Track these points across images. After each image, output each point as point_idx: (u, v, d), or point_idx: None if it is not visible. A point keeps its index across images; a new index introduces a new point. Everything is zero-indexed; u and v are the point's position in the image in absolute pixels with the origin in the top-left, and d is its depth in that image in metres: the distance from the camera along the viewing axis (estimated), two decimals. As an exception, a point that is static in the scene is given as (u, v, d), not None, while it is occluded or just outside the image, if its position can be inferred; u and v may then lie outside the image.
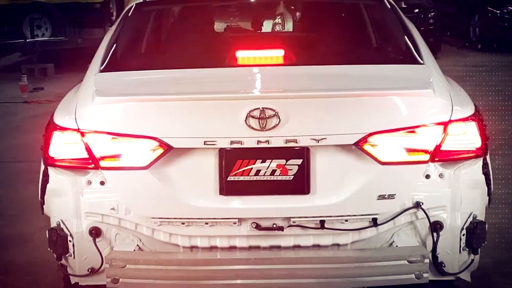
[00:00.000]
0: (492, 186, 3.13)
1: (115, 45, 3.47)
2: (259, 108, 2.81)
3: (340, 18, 4.46)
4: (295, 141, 2.85)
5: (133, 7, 3.78)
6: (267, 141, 2.84)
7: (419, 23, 12.85)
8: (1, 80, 10.57)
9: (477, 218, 3.05)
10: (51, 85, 10.48)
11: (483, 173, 3.05)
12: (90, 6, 12.67)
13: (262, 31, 6.74)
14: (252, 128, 2.82)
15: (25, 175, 5.62)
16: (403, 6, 12.89)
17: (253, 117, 2.81)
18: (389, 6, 3.77)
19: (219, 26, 6.65)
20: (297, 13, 6.20)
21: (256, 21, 5.57)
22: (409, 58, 3.37)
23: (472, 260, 3.09)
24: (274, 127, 2.82)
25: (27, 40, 12.20)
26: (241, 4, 5.89)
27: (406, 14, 12.26)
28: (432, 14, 13.21)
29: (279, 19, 9.34)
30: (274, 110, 2.81)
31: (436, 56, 11.28)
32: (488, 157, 3.10)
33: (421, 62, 3.28)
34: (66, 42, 12.40)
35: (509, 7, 13.22)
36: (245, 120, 2.82)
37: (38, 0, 12.38)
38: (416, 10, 13.09)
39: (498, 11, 13.24)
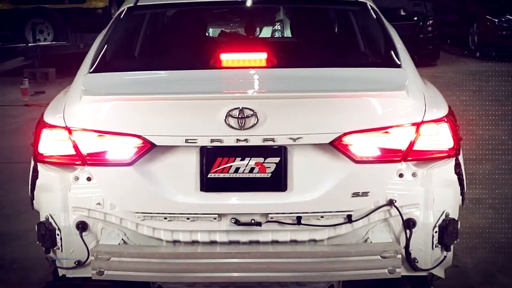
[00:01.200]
0: (465, 186, 3.21)
1: (105, 47, 3.59)
2: (238, 108, 2.92)
3: (326, 24, 4.58)
4: (273, 140, 2.96)
5: (125, 11, 3.91)
6: (246, 140, 2.95)
7: (418, 31, 12.99)
8: (3, 84, 10.71)
9: (449, 216, 3.13)
10: (52, 89, 10.58)
11: (456, 173, 3.14)
12: (92, 12, 12.81)
13: (259, 36, 6.89)
14: (232, 127, 2.93)
15: (22, 176, 5.65)
16: (402, 13, 13.06)
17: (232, 116, 2.92)
18: (373, 13, 3.87)
19: (214, 32, 6.80)
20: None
21: (249, 26, 5.70)
22: (387, 61, 3.48)
23: (445, 256, 3.17)
24: (252, 126, 2.93)
25: (29, 44, 12.35)
26: (234, 10, 6.03)
27: (405, 21, 12.31)
28: (431, 22, 13.32)
29: (279, 26, 9.49)
30: (252, 110, 2.92)
31: (435, 63, 11.35)
32: (461, 157, 3.20)
33: (399, 65, 3.39)
34: (68, 47, 12.53)
35: (508, 16, 13.35)
36: (225, 120, 2.93)
37: (40, 5, 12.53)
38: (415, 18, 13.20)
39: (496, 20, 13.36)
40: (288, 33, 7.72)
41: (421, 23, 13.19)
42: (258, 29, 7.49)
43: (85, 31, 12.82)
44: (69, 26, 12.78)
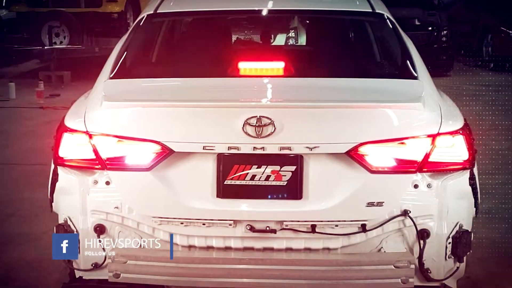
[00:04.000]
0: (479, 198, 3.24)
1: (125, 53, 3.63)
2: (256, 116, 2.96)
3: (343, 34, 4.61)
4: (289, 148, 3.00)
5: (144, 18, 3.97)
6: (263, 148, 2.99)
7: (432, 41, 12.98)
8: (19, 86, 10.80)
9: (463, 228, 3.16)
10: (67, 92, 10.68)
11: (470, 185, 3.17)
12: (108, 16, 12.91)
13: (273, 44, 6.94)
14: (249, 135, 2.97)
15: (37, 178, 5.81)
16: (417, 23, 13.07)
17: (250, 124, 2.97)
18: (390, 24, 3.90)
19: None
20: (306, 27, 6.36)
21: (265, 34, 5.74)
22: (404, 73, 3.51)
23: (458, 267, 3.20)
24: (269, 134, 2.97)
25: (45, 47, 12.46)
26: (251, 18, 6.08)
27: (419, 31, 12.26)
28: (445, 32, 13.29)
29: (293, 33, 9.53)
30: (270, 119, 2.97)
31: (448, 74, 11.29)
32: (475, 170, 3.23)
33: (416, 77, 3.42)
34: (83, 50, 12.63)
35: (523, 28, 13.32)
36: (242, 127, 2.97)
37: (57, 8, 12.65)
38: (430, 28, 13.19)
39: (511, 31, 13.33)
40: (302, 40, 7.76)
41: (435, 33, 13.16)
42: (272, 36, 7.53)
43: (100, 35, 12.92)
44: (84, 30, 12.88)
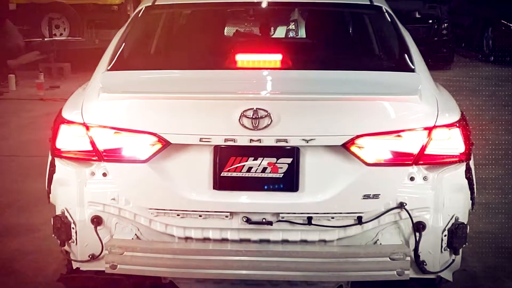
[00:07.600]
0: (475, 191, 3.24)
1: (122, 45, 3.64)
2: (252, 109, 2.96)
3: (341, 27, 4.61)
4: (286, 140, 3.00)
5: (143, 10, 3.97)
6: (259, 140, 2.99)
7: (432, 34, 12.97)
8: (19, 78, 10.81)
9: (459, 220, 3.16)
10: (67, 84, 10.69)
11: (466, 178, 3.17)
12: (108, 8, 12.94)
13: (273, 36, 6.95)
14: (246, 127, 2.97)
15: (36, 169, 5.78)
16: (417, 16, 13.05)
17: (246, 116, 2.97)
18: (388, 17, 3.90)
19: (229, 31, 6.86)
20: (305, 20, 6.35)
21: (264, 26, 5.75)
22: (401, 65, 3.51)
23: (453, 260, 3.21)
24: (266, 127, 2.97)
25: (45, 39, 12.47)
26: (248, 10, 6.08)
27: (420, 24, 12.27)
28: (445, 25, 13.28)
29: (293, 25, 9.53)
30: (266, 111, 2.97)
31: (449, 67, 11.33)
32: (472, 162, 3.23)
33: (413, 69, 3.42)
34: (83, 42, 12.64)
35: (523, 21, 13.30)
36: (239, 120, 2.97)
37: (57, 0, 12.65)
38: (430, 21, 13.18)
39: (511, 25, 13.31)
40: (302, 32, 7.77)
41: (435, 26, 13.15)
42: (272, 28, 7.53)
43: (100, 27, 12.95)
44: (85, 22, 12.90)
